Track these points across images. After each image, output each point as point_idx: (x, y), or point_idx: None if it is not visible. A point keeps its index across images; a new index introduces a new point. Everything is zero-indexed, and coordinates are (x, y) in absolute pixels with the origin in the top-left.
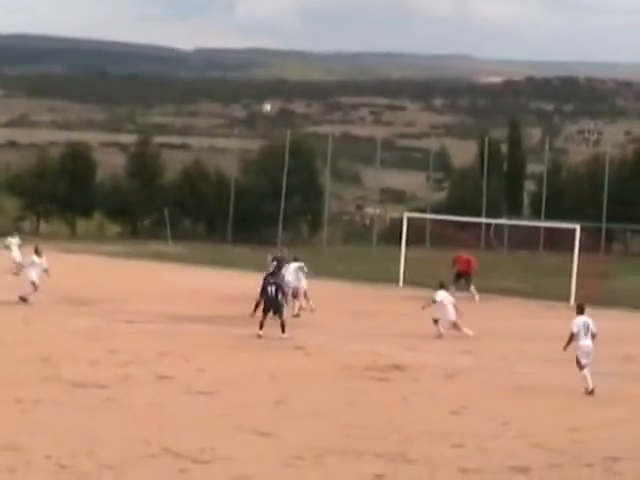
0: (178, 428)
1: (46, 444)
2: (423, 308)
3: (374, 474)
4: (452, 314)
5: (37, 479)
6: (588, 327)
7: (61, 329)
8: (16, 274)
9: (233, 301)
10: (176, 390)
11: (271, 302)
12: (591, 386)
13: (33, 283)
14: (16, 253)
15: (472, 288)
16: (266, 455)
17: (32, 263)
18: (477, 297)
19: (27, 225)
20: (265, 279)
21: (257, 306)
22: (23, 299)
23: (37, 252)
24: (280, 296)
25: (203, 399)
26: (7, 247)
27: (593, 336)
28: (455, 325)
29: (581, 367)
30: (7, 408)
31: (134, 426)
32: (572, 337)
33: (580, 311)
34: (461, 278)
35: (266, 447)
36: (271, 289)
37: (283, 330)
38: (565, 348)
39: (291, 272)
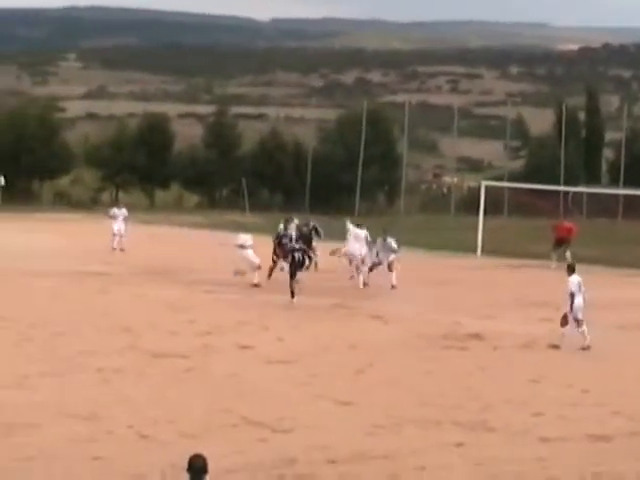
0: (258, 397)
1: (127, 414)
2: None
3: (454, 442)
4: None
5: (118, 448)
6: (580, 285)
7: (140, 299)
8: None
9: (309, 271)
10: (256, 360)
11: (297, 268)
12: (588, 342)
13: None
14: (120, 225)
15: (568, 254)
16: (346, 424)
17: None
18: (554, 265)
19: (106, 196)
20: (284, 244)
21: (272, 270)
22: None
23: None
24: (307, 262)
25: (283, 368)
26: (112, 217)
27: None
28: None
29: (579, 324)
30: (89, 378)
31: (214, 396)
32: (573, 296)
33: (572, 271)
34: (561, 245)
35: (345, 416)
36: (298, 255)
37: (293, 296)
38: (571, 308)
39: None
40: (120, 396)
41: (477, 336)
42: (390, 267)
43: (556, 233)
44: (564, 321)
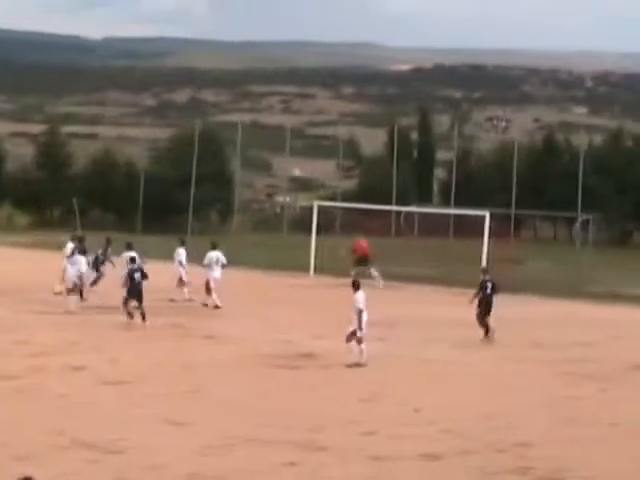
0: (90, 419)
1: None
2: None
3: (286, 462)
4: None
5: None
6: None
7: None
8: None
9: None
10: (88, 381)
11: (138, 290)
12: (365, 359)
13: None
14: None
15: (373, 271)
16: (179, 444)
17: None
18: (381, 283)
19: None
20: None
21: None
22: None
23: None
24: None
25: (115, 390)
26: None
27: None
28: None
29: (360, 340)
30: None
31: (46, 417)
32: (361, 313)
33: (357, 288)
34: (365, 263)
35: (179, 437)
36: (138, 276)
37: (144, 318)
38: (360, 325)
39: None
40: None
41: (309, 355)
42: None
43: (356, 252)
44: (350, 337)
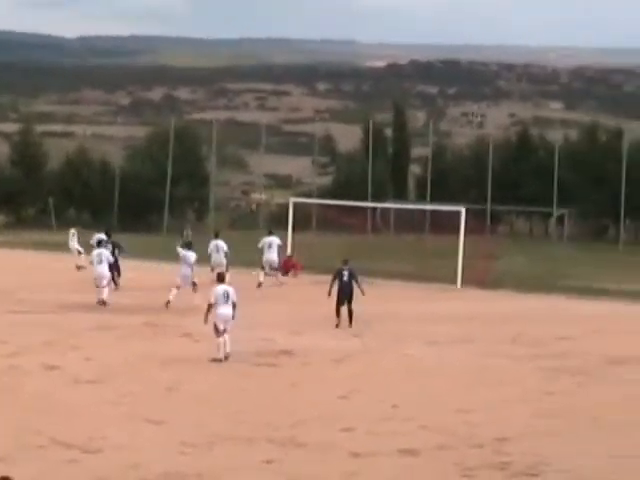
0: (67, 418)
1: None
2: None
3: (264, 459)
4: None
5: None
6: (228, 296)
7: None
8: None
9: (119, 289)
10: (64, 380)
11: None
12: (222, 354)
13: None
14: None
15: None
16: (157, 443)
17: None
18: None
19: None
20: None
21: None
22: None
23: None
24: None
25: (92, 388)
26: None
27: (234, 305)
28: None
29: (219, 334)
30: None
31: (22, 417)
32: (210, 306)
33: (221, 280)
34: None
35: (157, 435)
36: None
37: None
38: (205, 319)
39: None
40: None
41: (288, 352)
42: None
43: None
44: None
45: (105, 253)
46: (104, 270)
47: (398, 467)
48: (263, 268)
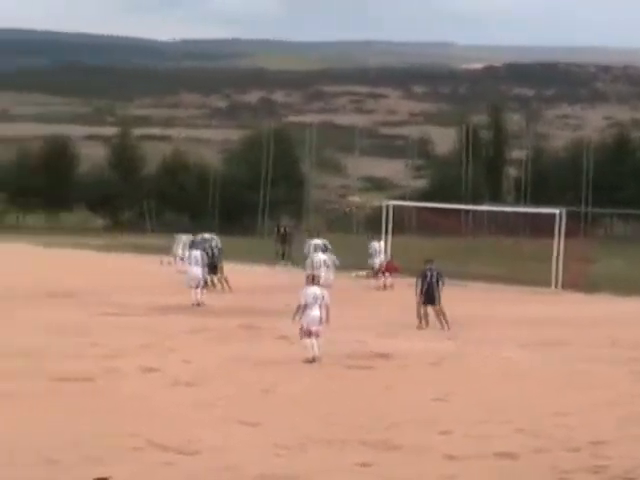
0: (164, 420)
1: (32, 438)
2: None
3: (360, 462)
4: None
5: (23, 474)
6: (318, 298)
7: (43, 323)
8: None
9: (216, 291)
10: (161, 382)
11: None
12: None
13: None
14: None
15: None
16: (252, 445)
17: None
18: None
19: (10, 219)
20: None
21: None
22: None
23: None
24: None
25: (189, 390)
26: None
27: (326, 308)
28: None
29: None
30: None
31: (120, 419)
32: (300, 308)
33: (313, 281)
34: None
35: (252, 437)
36: None
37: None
38: (294, 319)
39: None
40: (24, 420)
41: (383, 355)
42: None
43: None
44: (301, 333)
45: (199, 254)
46: (198, 271)
47: (495, 470)
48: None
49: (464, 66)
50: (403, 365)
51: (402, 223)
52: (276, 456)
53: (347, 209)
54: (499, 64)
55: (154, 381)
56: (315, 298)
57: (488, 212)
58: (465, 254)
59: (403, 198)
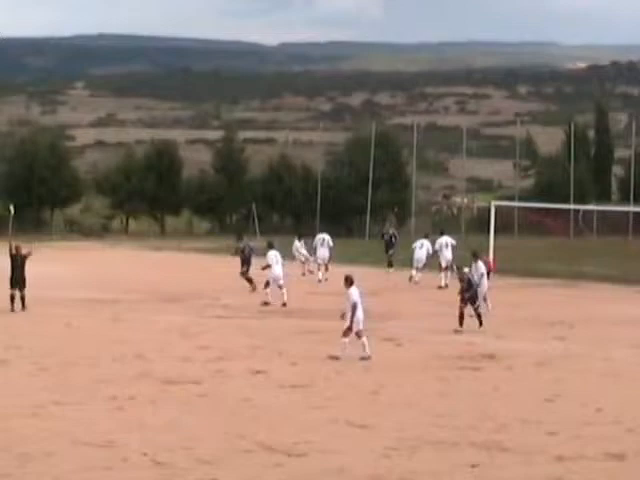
0: (272, 422)
1: (142, 441)
2: None
3: (470, 463)
4: None
5: (134, 476)
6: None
7: (152, 326)
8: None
9: (321, 294)
10: (269, 384)
11: None
12: (367, 353)
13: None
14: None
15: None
16: (361, 447)
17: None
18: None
19: (116, 224)
20: None
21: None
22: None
23: None
24: None
25: (297, 393)
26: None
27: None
28: None
29: (359, 335)
30: (102, 406)
31: (228, 421)
32: (355, 307)
33: (350, 283)
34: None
35: (361, 439)
36: None
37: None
38: (352, 320)
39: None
40: (134, 423)
41: (491, 356)
42: None
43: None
44: (346, 333)
45: (278, 254)
46: (280, 271)
47: (604, 471)
48: (418, 268)
49: (568, 65)
50: (510, 366)
51: (509, 223)
52: (385, 458)
53: (453, 210)
54: (603, 62)
55: (261, 383)
56: (360, 299)
57: (595, 212)
58: (572, 254)
59: (509, 199)
